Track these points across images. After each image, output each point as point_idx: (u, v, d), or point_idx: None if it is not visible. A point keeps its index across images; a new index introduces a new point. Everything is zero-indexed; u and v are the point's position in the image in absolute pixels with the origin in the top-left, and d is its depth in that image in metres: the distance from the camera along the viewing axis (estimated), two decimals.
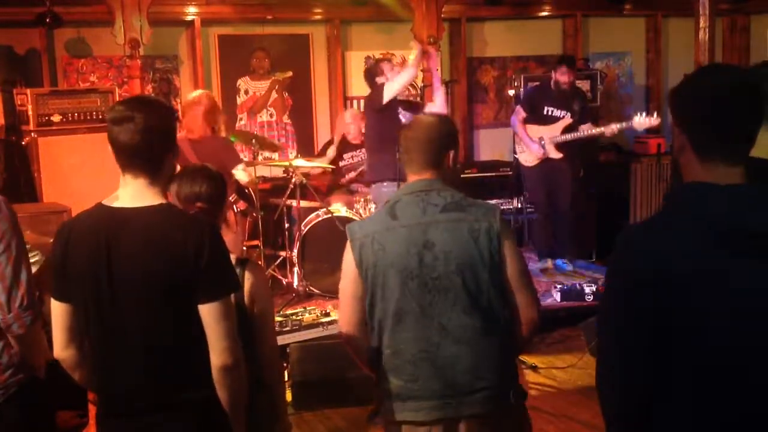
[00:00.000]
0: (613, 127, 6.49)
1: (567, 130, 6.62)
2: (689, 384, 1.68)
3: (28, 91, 6.29)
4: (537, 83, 7.34)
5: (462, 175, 7.31)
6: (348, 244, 2.50)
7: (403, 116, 5.86)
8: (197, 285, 2.12)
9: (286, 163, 6.43)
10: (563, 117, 6.66)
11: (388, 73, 6.00)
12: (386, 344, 2.45)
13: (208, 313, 2.15)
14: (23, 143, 6.40)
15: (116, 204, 2.19)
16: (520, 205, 7.33)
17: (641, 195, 7.78)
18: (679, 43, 8.77)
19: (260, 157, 6.46)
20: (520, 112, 6.82)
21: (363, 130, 6.84)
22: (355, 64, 8.12)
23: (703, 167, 1.72)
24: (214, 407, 2.22)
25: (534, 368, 5.07)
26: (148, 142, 2.14)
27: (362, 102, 8.12)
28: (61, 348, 2.29)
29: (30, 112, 6.18)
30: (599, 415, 1.81)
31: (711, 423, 1.68)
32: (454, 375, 2.39)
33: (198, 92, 5.89)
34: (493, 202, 6.95)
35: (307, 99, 7.97)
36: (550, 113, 6.70)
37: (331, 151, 6.99)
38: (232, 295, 2.55)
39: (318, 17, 7.84)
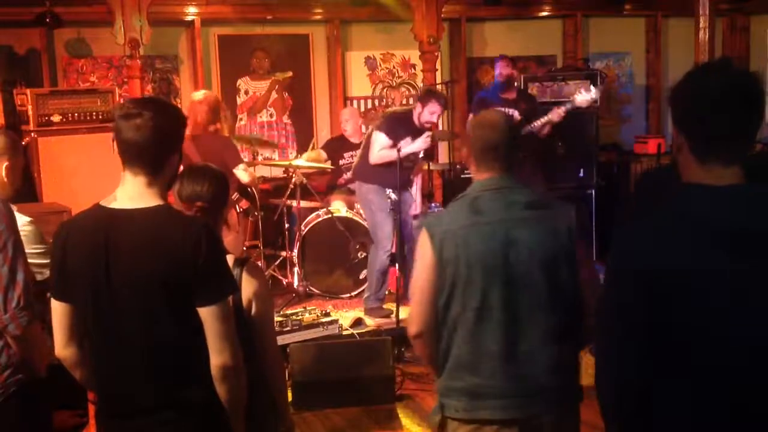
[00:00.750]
0: (559, 111, 6.39)
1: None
2: (689, 384, 1.68)
3: (28, 91, 6.29)
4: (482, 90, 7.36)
5: (462, 175, 7.31)
6: (426, 239, 2.46)
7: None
8: (195, 287, 2.12)
9: (286, 163, 6.44)
10: (512, 115, 6.60)
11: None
12: (462, 341, 2.43)
13: (206, 314, 2.15)
14: (23, 143, 6.39)
15: (114, 205, 2.19)
16: None
17: None
18: (679, 43, 8.76)
19: (260, 157, 6.46)
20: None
21: (362, 128, 6.86)
22: (355, 64, 8.13)
23: (701, 167, 1.72)
24: (214, 407, 2.23)
25: None
26: (153, 140, 2.14)
27: (362, 102, 8.16)
28: (61, 347, 2.30)
29: (30, 112, 6.17)
30: (599, 415, 1.81)
31: (710, 422, 1.68)
32: (534, 373, 2.39)
33: (203, 92, 5.91)
34: None
35: (307, 99, 7.97)
36: None
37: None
38: (231, 297, 2.56)
39: (318, 17, 7.84)
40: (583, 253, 2.48)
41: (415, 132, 5.55)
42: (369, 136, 5.73)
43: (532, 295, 2.39)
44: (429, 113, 5.48)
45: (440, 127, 7.10)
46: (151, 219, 2.15)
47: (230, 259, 2.62)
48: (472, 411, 2.42)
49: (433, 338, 2.49)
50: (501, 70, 6.71)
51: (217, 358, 2.18)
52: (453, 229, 2.43)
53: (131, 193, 2.18)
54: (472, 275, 2.39)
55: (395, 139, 5.52)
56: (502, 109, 6.55)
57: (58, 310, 2.26)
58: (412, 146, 5.54)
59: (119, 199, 2.20)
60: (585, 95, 6.31)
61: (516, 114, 6.60)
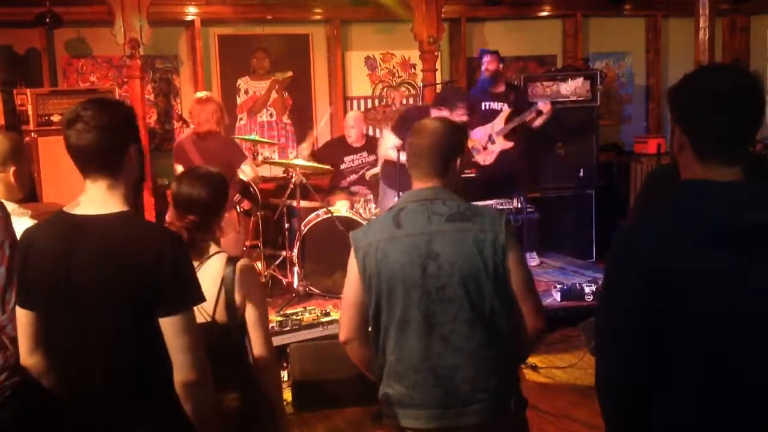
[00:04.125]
0: (528, 114, 6.56)
1: (509, 119, 6.66)
2: (689, 383, 1.68)
3: (28, 91, 6.30)
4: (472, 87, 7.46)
5: (462, 176, 7.32)
6: (352, 252, 2.46)
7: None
8: (157, 297, 2.03)
9: (287, 163, 6.44)
10: (501, 108, 6.72)
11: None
12: (390, 351, 2.44)
13: (168, 326, 2.04)
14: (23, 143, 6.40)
15: (76, 211, 2.11)
16: (519, 205, 7.34)
17: None
18: (679, 43, 8.77)
19: (260, 157, 6.48)
20: None
21: (364, 132, 6.90)
22: (355, 64, 8.13)
23: (702, 166, 1.72)
24: (180, 421, 2.12)
25: (534, 368, 5.07)
26: (100, 140, 2.04)
27: (362, 102, 8.16)
28: (26, 355, 2.23)
29: (30, 112, 6.19)
30: (599, 415, 1.81)
31: (710, 422, 1.67)
32: (454, 385, 2.38)
33: (206, 92, 5.97)
34: (493, 202, 7.01)
35: (307, 99, 7.98)
36: (488, 107, 6.78)
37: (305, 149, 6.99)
38: (225, 294, 2.51)
39: (318, 17, 7.85)
40: (517, 264, 2.40)
41: None
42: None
43: (454, 309, 2.36)
44: (458, 117, 5.32)
45: None
46: (113, 226, 2.06)
47: (222, 257, 2.58)
48: (400, 418, 2.44)
49: (362, 345, 2.52)
50: (488, 65, 6.82)
51: (178, 374, 2.06)
52: (374, 242, 2.42)
53: (93, 198, 2.09)
54: (393, 288, 2.39)
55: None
56: (494, 103, 6.69)
57: (22, 318, 2.20)
58: None
59: (82, 204, 2.11)
60: (540, 105, 6.51)
61: (506, 107, 6.71)
